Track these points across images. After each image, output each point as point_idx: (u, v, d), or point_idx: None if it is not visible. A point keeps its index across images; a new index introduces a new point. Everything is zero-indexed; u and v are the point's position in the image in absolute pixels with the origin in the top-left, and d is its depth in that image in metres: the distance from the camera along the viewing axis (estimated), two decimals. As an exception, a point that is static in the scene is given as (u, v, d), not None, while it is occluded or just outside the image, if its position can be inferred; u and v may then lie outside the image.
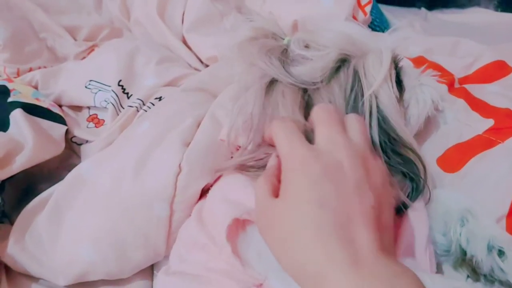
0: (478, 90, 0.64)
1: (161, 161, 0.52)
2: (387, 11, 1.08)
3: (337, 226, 0.34)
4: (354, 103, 0.50)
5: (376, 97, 0.51)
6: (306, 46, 0.54)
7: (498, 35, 0.99)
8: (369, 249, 0.34)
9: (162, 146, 0.53)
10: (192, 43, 0.79)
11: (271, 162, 0.43)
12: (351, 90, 0.51)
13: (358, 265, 0.32)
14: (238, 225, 0.44)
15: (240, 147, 0.51)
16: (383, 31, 0.95)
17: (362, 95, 0.51)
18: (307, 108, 0.50)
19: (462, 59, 0.72)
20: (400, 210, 0.46)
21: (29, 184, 0.67)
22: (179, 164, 0.51)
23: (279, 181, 0.39)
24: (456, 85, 0.65)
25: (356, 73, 0.52)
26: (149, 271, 0.57)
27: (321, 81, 0.50)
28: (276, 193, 0.39)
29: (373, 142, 0.46)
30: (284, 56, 0.55)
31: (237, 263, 0.42)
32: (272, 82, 0.51)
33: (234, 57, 0.58)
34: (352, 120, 0.42)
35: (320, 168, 0.37)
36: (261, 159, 0.48)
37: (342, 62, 0.52)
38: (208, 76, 0.65)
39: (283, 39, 0.57)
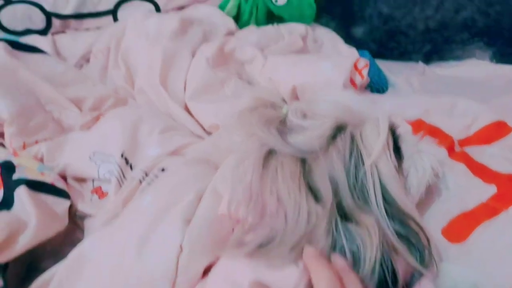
0: (479, 153, 0.64)
1: (163, 239, 0.52)
2: (385, 66, 1.10)
3: None
4: (355, 171, 0.51)
5: (376, 167, 0.52)
6: (304, 116, 0.56)
7: (495, 88, 1.00)
8: None
9: (164, 223, 0.53)
10: (194, 111, 0.81)
11: None
12: (350, 157, 0.52)
13: None
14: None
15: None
16: (382, 89, 0.97)
17: (362, 163, 0.51)
18: (306, 178, 0.51)
19: (461, 119, 0.73)
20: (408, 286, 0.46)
21: (33, 261, 0.66)
22: (180, 244, 0.51)
23: None
24: (457, 148, 0.66)
25: (353, 139, 0.53)
26: None
27: (319, 149, 0.51)
28: None
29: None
30: (282, 125, 0.56)
31: None
32: (271, 152, 0.52)
33: (234, 127, 0.59)
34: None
35: None
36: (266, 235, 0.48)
37: (339, 129, 0.53)
38: (209, 146, 0.67)
39: (282, 108, 0.59)
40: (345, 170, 0.51)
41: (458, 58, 1.16)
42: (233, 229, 0.52)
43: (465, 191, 0.57)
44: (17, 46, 0.83)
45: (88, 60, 0.98)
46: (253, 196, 0.50)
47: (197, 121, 0.80)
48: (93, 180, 0.73)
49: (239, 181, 0.51)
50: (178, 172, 0.62)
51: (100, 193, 0.71)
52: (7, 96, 0.75)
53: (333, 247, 0.45)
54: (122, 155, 0.69)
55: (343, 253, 0.45)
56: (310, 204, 0.47)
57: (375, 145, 0.53)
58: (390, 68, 1.11)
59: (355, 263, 0.44)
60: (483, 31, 1.10)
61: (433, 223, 0.56)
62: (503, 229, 0.52)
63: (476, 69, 1.12)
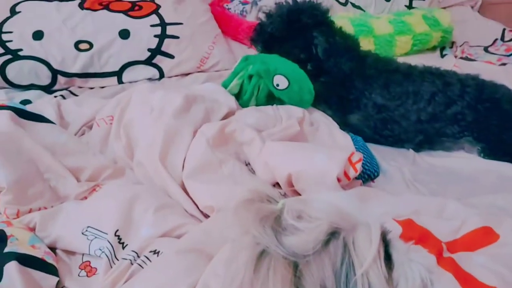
0: (466, 261, 0.65)
1: None
2: (377, 151, 1.13)
3: None
4: (346, 279, 0.51)
5: (367, 278, 0.53)
6: (298, 217, 0.57)
7: (483, 185, 1.03)
8: None
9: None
10: (190, 190, 0.82)
11: None
12: (341, 265, 0.52)
13: None
14: None
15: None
16: (373, 174, 1.00)
17: (353, 273, 0.52)
18: (297, 284, 0.51)
19: (450, 222, 0.75)
20: None
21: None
22: None
23: None
24: (445, 253, 0.67)
25: (345, 246, 0.54)
26: None
27: (312, 254, 0.52)
28: None
29: None
30: (277, 224, 0.57)
31: None
32: (264, 252, 0.53)
33: (229, 220, 0.60)
34: None
35: None
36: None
37: (332, 234, 0.55)
38: (202, 235, 0.67)
39: (278, 202, 0.60)
40: (336, 278, 0.52)
41: (448, 149, 1.20)
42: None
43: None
44: (23, 114, 0.85)
45: (90, 127, 1.00)
46: (244, 297, 0.50)
47: (192, 200, 0.81)
48: (82, 255, 0.73)
49: (231, 281, 0.52)
50: (169, 264, 0.63)
51: (88, 269, 0.71)
52: (8, 165, 0.77)
53: None
54: (115, 233, 0.70)
55: None
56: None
57: (367, 254, 0.54)
58: (382, 154, 1.14)
59: None
60: (472, 126, 1.14)
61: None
62: None
63: (466, 162, 1.15)
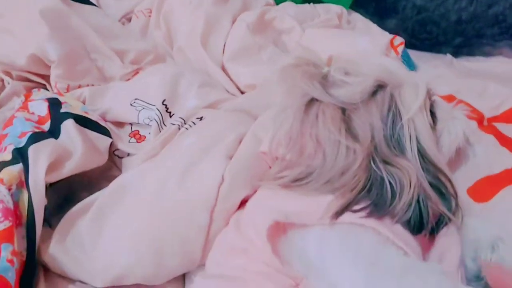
0: (506, 128, 0.66)
1: (205, 172, 0.55)
2: (414, 56, 1.12)
3: None
4: (392, 125, 0.53)
5: (413, 122, 0.54)
6: (346, 73, 0.58)
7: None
8: None
9: (207, 159, 0.57)
10: (231, 71, 0.84)
11: None
12: (388, 111, 0.54)
13: None
14: (279, 229, 0.46)
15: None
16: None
17: (400, 118, 0.54)
18: (346, 122, 0.54)
19: (490, 100, 0.75)
20: (434, 230, 0.48)
21: (70, 192, 0.70)
22: (222, 175, 0.54)
23: None
24: (485, 123, 0.68)
25: (392, 97, 0.55)
26: (181, 279, 0.59)
27: (360, 102, 0.54)
28: None
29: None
30: (324, 80, 0.59)
31: (277, 262, 0.44)
32: (312, 101, 0.55)
33: (276, 81, 0.62)
34: None
35: None
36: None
37: (379, 87, 0.56)
38: (247, 101, 0.70)
39: (323, 67, 0.61)
40: (383, 122, 0.54)
41: (486, 54, 1.18)
42: (270, 166, 0.55)
43: (492, 158, 0.60)
44: (71, -4, 0.87)
45: (129, 20, 1.02)
46: (293, 137, 0.53)
47: (233, 81, 0.83)
48: (131, 125, 0.76)
49: (280, 125, 0.54)
50: (219, 118, 0.65)
51: (138, 136, 0.75)
52: (57, 40, 0.79)
53: (371, 183, 0.48)
54: (163, 102, 0.73)
55: (381, 186, 0.48)
56: (348, 142, 0.50)
57: (413, 104, 0.55)
58: (420, 58, 1.13)
59: (393, 197, 0.47)
60: (513, 27, 1.11)
61: (459, 183, 0.58)
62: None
63: (504, 65, 1.13)
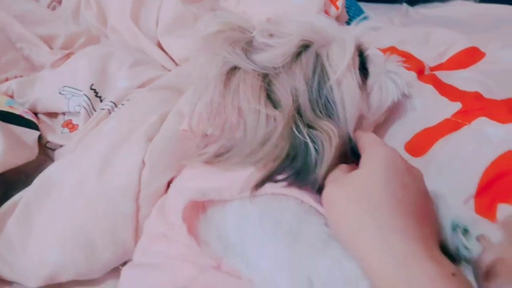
0: (448, 76, 0.63)
1: (125, 158, 0.52)
2: (369, 8, 1.08)
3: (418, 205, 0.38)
4: (318, 87, 0.50)
5: (340, 84, 0.51)
6: (270, 35, 0.55)
7: (479, 26, 0.99)
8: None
9: (126, 144, 0.53)
10: (166, 46, 0.80)
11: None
12: (314, 73, 0.51)
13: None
14: (198, 209, 0.44)
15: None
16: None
17: (327, 79, 0.51)
18: (267, 90, 0.51)
19: (435, 48, 0.72)
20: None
21: (7, 190, 0.67)
22: (142, 159, 0.51)
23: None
24: (427, 72, 0.65)
25: (318, 57, 0.52)
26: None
27: (282, 66, 0.51)
28: None
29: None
30: (248, 46, 0.55)
31: (193, 243, 0.42)
32: (234, 70, 0.52)
33: (198, 50, 0.58)
34: None
35: (404, 166, 0.41)
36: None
37: (304, 47, 0.53)
38: (175, 75, 0.66)
39: (251, 32, 0.58)
40: (308, 85, 0.50)
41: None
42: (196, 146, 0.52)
43: (431, 110, 0.57)
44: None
45: (60, 2, 0.96)
46: (214, 110, 0.49)
47: (169, 56, 0.79)
48: (63, 114, 0.73)
49: (199, 97, 0.51)
50: (142, 99, 0.62)
51: (70, 126, 0.71)
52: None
53: (295, 151, 0.45)
54: (91, 87, 0.69)
55: (305, 153, 0.45)
56: (268, 110, 0.47)
57: (340, 63, 0.52)
58: (374, 10, 1.09)
59: (316, 162, 0.45)
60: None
61: (397, 139, 0.56)
62: (464, 141, 0.52)
63: (460, 8, 1.10)
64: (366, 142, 0.46)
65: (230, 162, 0.47)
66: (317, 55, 0.52)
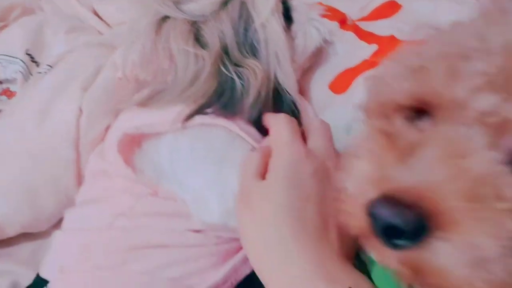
0: (368, 25, 0.69)
1: (62, 107, 0.54)
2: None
3: (317, 221, 0.38)
4: (244, 31, 0.54)
5: (265, 26, 0.55)
6: None
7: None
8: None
9: (64, 94, 0.55)
10: (102, 12, 0.80)
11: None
12: (240, 18, 0.55)
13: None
14: (133, 143, 0.47)
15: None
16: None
17: (250, 24, 0.54)
18: (195, 34, 0.54)
19: (357, 2, 0.77)
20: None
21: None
22: (80, 107, 0.53)
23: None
24: (349, 22, 0.70)
25: (243, 4, 0.56)
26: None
27: (211, 14, 0.54)
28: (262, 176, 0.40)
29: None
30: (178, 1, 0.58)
31: (130, 172, 0.44)
32: (165, 19, 0.54)
33: (130, 4, 0.60)
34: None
35: (313, 168, 0.40)
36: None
37: None
38: (111, 34, 0.68)
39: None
40: (234, 29, 0.54)
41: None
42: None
43: (351, 53, 0.62)
44: None
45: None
46: (146, 56, 0.52)
47: (105, 22, 0.80)
48: (1, 83, 0.72)
49: (132, 44, 0.53)
50: (77, 54, 0.63)
51: (8, 93, 0.71)
52: None
53: (222, 87, 0.49)
54: (26, 52, 0.69)
55: (232, 89, 0.49)
56: (197, 50, 0.50)
57: (264, 9, 0.56)
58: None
59: (242, 95, 0.48)
60: None
61: (322, 80, 0.61)
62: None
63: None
64: (272, 133, 0.44)
65: (162, 101, 0.50)
66: (243, 3, 0.56)
